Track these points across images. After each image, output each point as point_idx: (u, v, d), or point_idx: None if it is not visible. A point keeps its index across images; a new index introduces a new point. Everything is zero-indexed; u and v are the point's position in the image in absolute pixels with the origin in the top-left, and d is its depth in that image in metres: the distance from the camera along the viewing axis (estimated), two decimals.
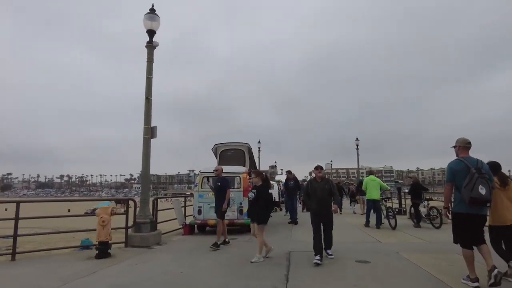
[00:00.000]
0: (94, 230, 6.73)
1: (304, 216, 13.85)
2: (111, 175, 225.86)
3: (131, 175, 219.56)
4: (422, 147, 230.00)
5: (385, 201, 11.63)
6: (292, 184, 12.53)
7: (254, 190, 6.38)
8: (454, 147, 4.54)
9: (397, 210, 12.72)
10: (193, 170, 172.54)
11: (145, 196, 8.15)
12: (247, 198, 8.71)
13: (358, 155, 26.69)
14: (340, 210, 6.66)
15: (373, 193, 10.61)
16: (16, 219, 6.34)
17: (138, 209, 8.03)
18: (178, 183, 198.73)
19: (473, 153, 4.45)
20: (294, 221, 11.62)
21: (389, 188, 13.87)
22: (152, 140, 8.20)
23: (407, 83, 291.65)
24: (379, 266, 5.51)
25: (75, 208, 55.98)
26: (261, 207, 6.10)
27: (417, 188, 11.41)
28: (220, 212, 7.51)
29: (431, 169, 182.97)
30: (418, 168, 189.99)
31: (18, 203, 6.40)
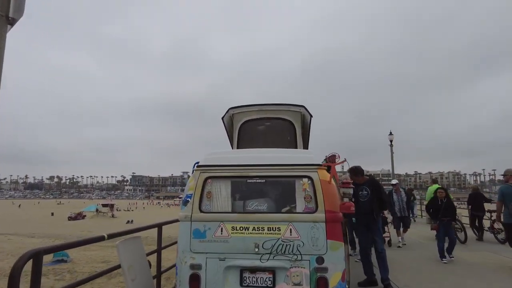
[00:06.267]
0: None
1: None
2: (102, 177, 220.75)
3: (123, 176, 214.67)
4: (421, 152, 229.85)
5: None
6: (366, 194, 5.31)
7: None
8: (504, 175, 6.69)
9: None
10: (186, 172, 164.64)
11: None
12: (338, 243, 3.21)
13: (392, 152, 20.00)
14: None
15: None
16: None
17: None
18: (171, 186, 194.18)
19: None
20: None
21: (452, 197, 10.92)
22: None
23: (402, 88, 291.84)
24: None
25: (59, 211, 52.02)
26: None
27: (478, 198, 10.35)
28: None
29: (429, 173, 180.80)
30: (416, 172, 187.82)
31: None
